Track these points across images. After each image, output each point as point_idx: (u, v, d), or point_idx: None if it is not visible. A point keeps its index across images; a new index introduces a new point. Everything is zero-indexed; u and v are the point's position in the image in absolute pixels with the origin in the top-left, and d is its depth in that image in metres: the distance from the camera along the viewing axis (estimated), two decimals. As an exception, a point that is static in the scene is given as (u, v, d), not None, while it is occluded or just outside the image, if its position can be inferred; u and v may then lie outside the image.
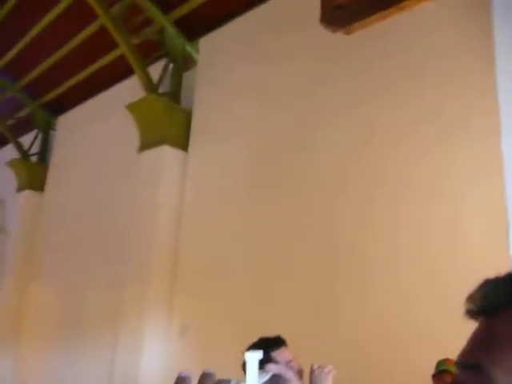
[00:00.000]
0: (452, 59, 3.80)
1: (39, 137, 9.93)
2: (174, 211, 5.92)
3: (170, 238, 5.82)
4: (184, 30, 6.65)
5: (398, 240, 3.80)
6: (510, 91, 3.41)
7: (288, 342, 1.91)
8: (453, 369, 2.14)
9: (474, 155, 3.53)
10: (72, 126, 9.24)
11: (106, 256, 6.96)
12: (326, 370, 1.75)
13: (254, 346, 1.76)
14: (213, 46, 6.36)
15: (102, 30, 6.70)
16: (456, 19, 3.79)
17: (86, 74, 8.13)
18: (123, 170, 7.04)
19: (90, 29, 7.23)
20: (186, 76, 6.71)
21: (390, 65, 4.24)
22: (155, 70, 6.52)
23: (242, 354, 0.56)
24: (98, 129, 8.10)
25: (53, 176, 9.51)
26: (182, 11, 6.43)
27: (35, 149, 9.89)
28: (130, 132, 6.64)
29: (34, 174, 9.56)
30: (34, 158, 9.84)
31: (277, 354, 1.80)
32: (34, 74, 8.77)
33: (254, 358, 0.53)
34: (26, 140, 9.92)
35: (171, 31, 6.61)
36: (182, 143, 6.20)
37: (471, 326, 0.48)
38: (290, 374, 0.62)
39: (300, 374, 1.74)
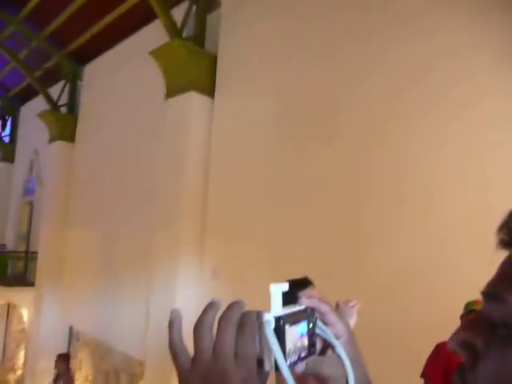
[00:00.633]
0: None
1: (67, 87, 9.99)
2: (202, 156, 5.95)
3: (198, 182, 5.90)
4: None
5: (433, 176, 3.69)
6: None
7: (315, 282, 1.93)
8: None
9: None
10: (98, 75, 9.23)
11: (138, 201, 7.15)
12: (351, 303, 1.79)
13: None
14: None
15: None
16: None
17: (109, 20, 7.99)
18: (151, 117, 7.06)
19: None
20: (210, 18, 6.50)
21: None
22: (178, 14, 6.34)
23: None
24: (124, 76, 8.07)
25: (82, 126, 9.66)
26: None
27: (64, 100, 9.99)
28: (157, 79, 6.58)
29: (64, 124, 9.72)
30: (63, 109, 9.96)
31: (304, 294, 1.82)
32: (57, 22, 8.68)
33: (277, 289, 0.51)
34: (54, 91, 10.00)
35: (193, -29, 6.34)
36: (208, 89, 6.12)
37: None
38: (325, 307, 0.59)
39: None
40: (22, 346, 10.71)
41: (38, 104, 10.77)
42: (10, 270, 10.60)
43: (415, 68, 3.95)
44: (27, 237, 11.64)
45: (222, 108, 6.01)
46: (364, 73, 4.37)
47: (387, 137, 4.08)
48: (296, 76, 5.04)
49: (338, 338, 0.59)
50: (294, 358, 0.49)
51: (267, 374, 0.48)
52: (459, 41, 3.68)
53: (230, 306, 0.48)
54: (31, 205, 11.58)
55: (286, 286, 0.51)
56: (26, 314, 10.58)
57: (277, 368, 0.47)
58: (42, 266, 9.58)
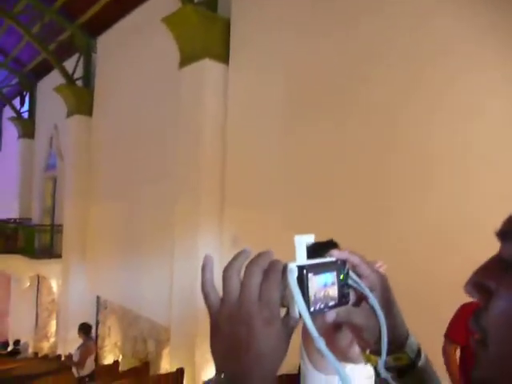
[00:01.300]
0: None
1: (81, 60, 9.96)
2: (218, 125, 5.91)
3: (216, 151, 5.88)
4: None
5: (461, 139, 3.57)
6: None
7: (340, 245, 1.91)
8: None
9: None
10: (111, 46, 9.16)
11: (157, 171, 7.20)
12: (377, 264, 1.76)
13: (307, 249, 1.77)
14: None
15: None
16: None
17: (119, -12, 7.85)
18: (166, 87, 7.00)
19: None
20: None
21: None
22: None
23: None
24: (138, 46, 7.98)
25: (98, 99, 9.67)
26: None
27: (79, 73, 9.98)
28: (170, 47, 6.48)
29: (81, 98, 9.74)
30: (79, 83, 9.96)
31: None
32: (68, -7, 8.58)
33: (302, 240, 0.53)
34: (69, 65, 9.98)
35: None
36: (223, 56, 6.00)
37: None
38: (356, 259, 0.58)
39: None
40: (54, 316, 11.15)
41: (54, 78, 10.80)
42: (37, 243, 10.90)
43: (439, 41, 3.76)
44: (52, 211, 11.93)
45: (237, 74, 5.91)
46: (384, 44, 4.19)
47: (411, 106, 3.96)
48: (312, 43, 4.89)
49: (372, 289, 0.58)
50: (319, 306, 0.51)
51: (294, 322, 0.51)
52: None
53: (259, 254, 0.51)
54: (54, 179, 11.80)
55: (310, 238, 0.53)
56: (55, 285, 10.96)
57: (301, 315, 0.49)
58: (68, 238, 9.83)
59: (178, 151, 6.28)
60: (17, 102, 14.31)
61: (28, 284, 12.63)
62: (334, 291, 0.53)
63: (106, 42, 9.44)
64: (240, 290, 0.50)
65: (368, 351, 0.62)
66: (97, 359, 8.98)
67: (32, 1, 9.06)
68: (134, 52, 8.18)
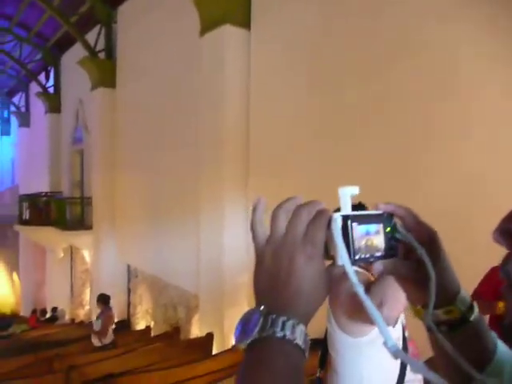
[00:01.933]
0: None
1: (102, 32, 9.92)
2: (242, 92, 5.82)
3: (239, 119, 5.82)
4: None
5: (504, 86, 3.40)
6: None
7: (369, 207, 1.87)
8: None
9: None
10: (131, 15, 9.06)
11: (181, 140, 7.22)
12: None
13: None
14: None
15: None
16: None
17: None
18: (188, 55, 6.91)
19: None
20: None
21: None
22: None
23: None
24: (158, 15, 7.87)
25: (121, 70, 9.67)
26: None
27: (101, 45, 9.96)
28: (191, 14, 6.35)
29: (104, 70, 9.75)
30: (101, 55, 9.96)
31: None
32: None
33: (346, 191, 0.53)
34: (91, 37, 9.97)
35: None
36: (244, 21, 5.85)
37: None
38: (404, 212, 0.57)
39: None
40: (87, 285, 11.59)
41: (76, 52, 10.83)
42: (68, 215, 11.23)
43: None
44: (81, 183, 12.20)
45: (259, 39, 5.77)
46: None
47: (446, 50, 3.78)
48: (337, 3, 4.69)
49: (420, 242, 0.57)
50: (364, 255, 0.51)
51: (338, 270, 0.52)
52: None
53: (310, 201, 0.53)
54: (81, 153, 12.01)
55: (355, 189, 0.53)
56: (87, 255, 11.34)
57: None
58: (97, 210, 10.08)
59: (201, 120, 6.26)
60: (42, 77, 14.48)
61: (62, 255, 13.12)
62: (380, 242, 0.54)
63: (126, 12, 9.34)
64: (286, 228, 0.52)
65: (418, 306, 0.62)
66: (129, 325, 9.36)
67: (51, -28, 9.01)
68: (154, 21, 8.07)
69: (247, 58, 5.86)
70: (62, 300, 12.81)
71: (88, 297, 11.60)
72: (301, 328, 0.50)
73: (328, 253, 0.51)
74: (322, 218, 0.51)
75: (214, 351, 5.51)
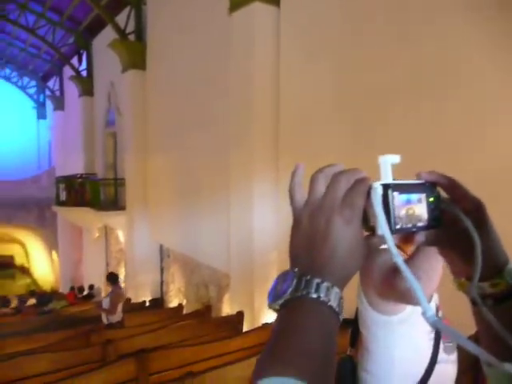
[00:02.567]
0: None
1: (132, 14, 9.95)
2: (271, 70, 5.74)
3: (268, 99, 5.76)
4: None
5: None
6: None
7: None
8: None
9: None
10: (161, -4, 9.04)
11: (212, 121, 7.22)
12: None
13: None
14: None
15: None
16: None
17: None
18: (217, 35, 6.86)
19: None
20: None
21: None
22: None
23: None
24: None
25: (151, 51, 9.71)
26: None
27: (131, 28, 10.01)
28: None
29: (134, 52, 9.82)
30: (131, 37, 10.02)
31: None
32: None
33: (387, 160, 0.52)
34: (121, 20, 10.03)
35: None
36: (273, -3, 5.74)
37: None
38: (449, 181, 0.56)
39: None
40: (122, 264, 11.94)
41: (107, 35, 10.93)
42: (102, 196, 11.52)
43: None
44: (114, 165, 12.47)
45: (289, 16, 5.64)
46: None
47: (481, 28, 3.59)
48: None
49: (466, 212, 0.54)
50: (405, 225, 0.50)
51: (378, 240, 0.51)
52: None
53: (351, 168, 0.53)
54: (114, 135, 12.24)
55: (395, 158, 0.52)
56: (121, 235, 11.65)
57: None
58: (130, 191, 10.30)
59: (231, 100, 6.23)
60: (75, 61, 14.73)
61: (97, 234, 13.53)
62: (422, 212, 0.52)
63: (156, -7, 9.33)
64: (325, 192, 0.52)
65: (463, 279, 0.60)
66: (162, 303, 9.62)
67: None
68: (183, 1, 8.03)
69: (276, 35, 5.76)
70: (98, 278, 13.25)
71: (123, 275, 11.96)
72: (335, 291, 0.49)
73: (367, 223, 0.50)
74: (361, 185, 0.50)
75: (245, 329, 5.60)
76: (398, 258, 0.47)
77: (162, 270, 10.08)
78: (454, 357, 1.40)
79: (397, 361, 1.29)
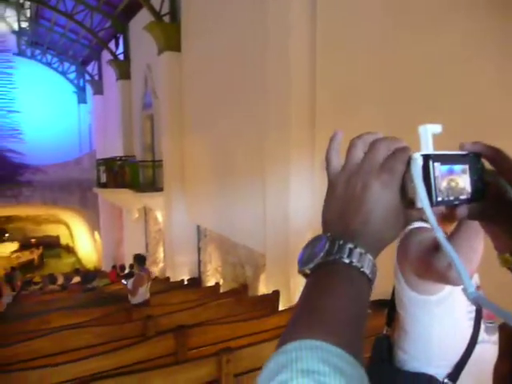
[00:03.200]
0: None
1: (167, -5, 9.97)
2: (308, 49, 5.62)
3: (306, 80, 5.65)
4: None
5: None
6: None
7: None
8: None
9: None
10: (194, -24, 8.98)
11: (247, 103, 7.19)
12: None
13: None
14: None
15: None
16: None
17: None
18: (253, 14, 6.76)
19: None
20: None
21: None
22: None
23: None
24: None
25: (186, 33, 9.71)
26: None
27: (165, 9, 10.03)
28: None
29: (169, 34, 9.86)
30: (166, 19, 10.04)
31: None
32: None
33: (427, 129, 0.50)
34: (156, 3, 10.06)
35: None
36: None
37: None
38: (493, 151, 0.52)
39: None
40: (161, 244, 12.25)
41: (143, 18, 11.01)
42: (141, 177, 11.79)
43: None
44: (152, 147, 12.70)
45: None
46: None
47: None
48: None
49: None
50: (447, 197, 0.48)
51: (417, 212, 0.49)
52: None
53: (392, 137, 0.52)
54: (151, 117, 12.43)
55: (437, 127, 0.50)
56: (159, 215, 11.92)
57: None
58: (167, 172, 10.48)
59: (267, 80, 6.16)
60: (112, 45, 14.96)
61: (137, 215, 13.91)
62: (465, 185, 0.49)
63: (189, -27, 9.27)
64: (363, 158, 0.51)
65: (507, 254, 0.57)
66: (200, 282, 9.83)
67: None
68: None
69: (313, 14, 5.61)
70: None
71: (161, 255, 12.28)
72: (369, 257, 0.47)
73: (406, 196, 0.48)
74: (402, 153, 0.48)
75: (281, 308, 5.65)
76: (439, 232, 0.45)
77: (199, 249, 10.27)
78: (495, 338, 1.36)
79: (435, 341, 1.26)
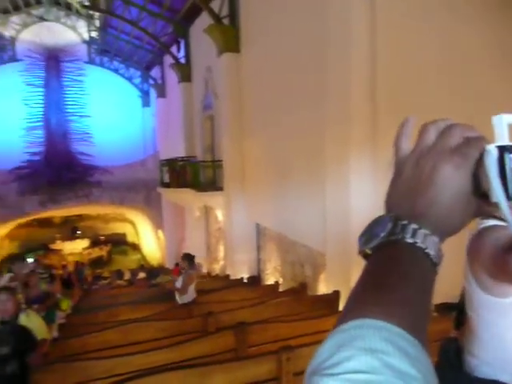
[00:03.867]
0: None
1: (226, -2, 10.14)
2: (368, 47, 5.47)
3: (366, 79, 5.51)
4: None
5: None
6: None
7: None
8: None
9: None
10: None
11: (306, 103, 7.14)
12: None
13: None
14: None
15: None
16: None
17: None
18: (312, 14, 6.71)
19: None
20: None
21: None
22: None
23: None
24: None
25: (245, 34, 9.82)
26: None
27: (225, 12, 10.20)
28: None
29: (228, 36, 10.02)
30: (225, 21, 10.21)
31: None
32: None
33: (503, 119, 0.46)
34: (215, 6, 10.26)
35: None
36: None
37: None
38: None
39: None
40: (221, 242, 12.48)
41: (203, 21, 11.27)
42: (202, 177, 12.08)
43: None
44: (212, 147, 12.97)
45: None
46: None
47: None
48: None
49: None
50: None
51: (490, 207, 0.46)
52: None
53: (467, 124, 0.49)
54: (212, 118, 12.69)
55: None
56: (220, 214, 12.15)
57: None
58: (227, 172, 10.65)
59: (327, 80, 6.08)
60: (174, 49, 15.47)
61: (198, 214, 14.28)
62: None
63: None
64: (434, 141, 0.49)
65: None
66: (259, 280, 9.90)
67: None
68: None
69: (373, 12, 5.44)
70: (199, 255, 14.04)
71: (222, 253, 12.51)
72: (434, 239, 0.45)
73: (479, 189, 0.46)
74: (477, 141, 0.46)
75: (340, 308, 5.56)
76: None
77: (258, 248, 10.35)
78: None
79: (510, 347, 1.18)
